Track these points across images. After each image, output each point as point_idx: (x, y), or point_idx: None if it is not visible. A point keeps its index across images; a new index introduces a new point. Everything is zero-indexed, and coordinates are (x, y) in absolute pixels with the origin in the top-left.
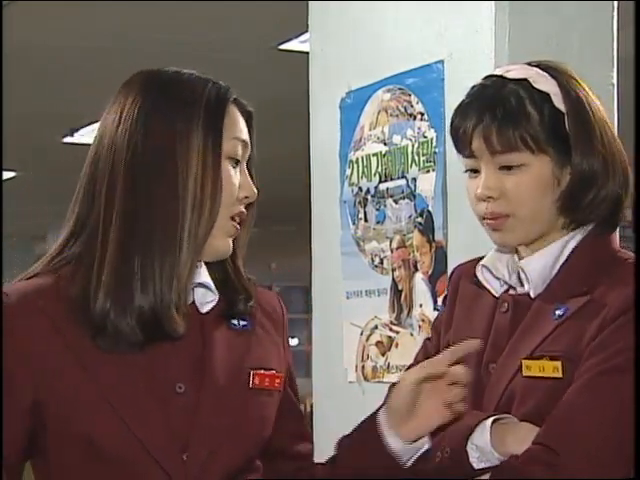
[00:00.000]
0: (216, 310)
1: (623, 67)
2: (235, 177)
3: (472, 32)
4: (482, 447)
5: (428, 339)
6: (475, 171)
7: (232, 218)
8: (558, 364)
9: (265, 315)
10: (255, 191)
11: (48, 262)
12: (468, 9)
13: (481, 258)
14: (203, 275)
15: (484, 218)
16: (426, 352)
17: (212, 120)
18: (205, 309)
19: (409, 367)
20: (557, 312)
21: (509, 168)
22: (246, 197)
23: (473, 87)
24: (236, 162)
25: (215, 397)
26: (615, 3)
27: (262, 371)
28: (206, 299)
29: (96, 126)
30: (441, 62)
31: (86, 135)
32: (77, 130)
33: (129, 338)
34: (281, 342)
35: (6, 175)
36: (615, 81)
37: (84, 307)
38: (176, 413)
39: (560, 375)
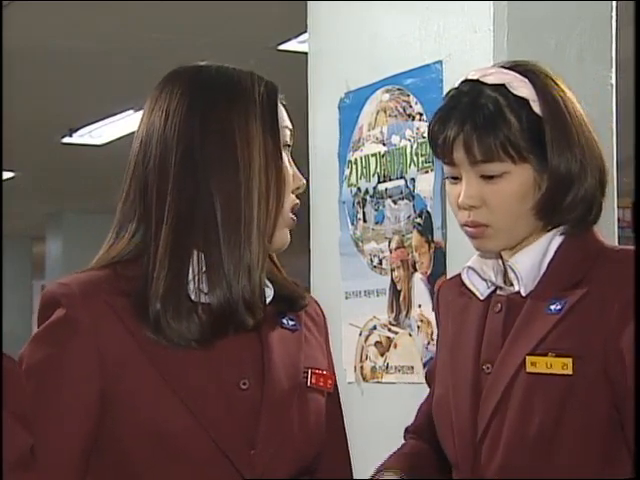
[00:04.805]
0: (269, 308)
1: (622, 67)
2: (290, 167)
3: (471, 32)
4: None
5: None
6: (455, 178)
7: (290, 209)
8: (568, 361)
9: (309, 318)
10: (305, 181)
11: (101, 259)
12: (467, 9)
13: None
14: None
15: (465, 225)
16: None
17: (268, 111)
18: None
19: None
20: (552, 307)
21: (490, 177)
22: (298, 188)
23: (449, 92)
24: (287, 150)
25: (278, 394)
26: (614, 3)
27: (317, 370)
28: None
29: (95, 126)
30: (440, 62)
31: (85, 135)
32: (76, 130)
33: (186, 336)
34: (325, 346)
35: (6, 175)
36: (614, 81)
37: (142, 305)
38: (242, 409)
39: (570, 372)
